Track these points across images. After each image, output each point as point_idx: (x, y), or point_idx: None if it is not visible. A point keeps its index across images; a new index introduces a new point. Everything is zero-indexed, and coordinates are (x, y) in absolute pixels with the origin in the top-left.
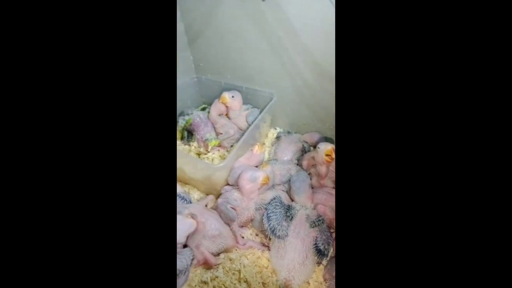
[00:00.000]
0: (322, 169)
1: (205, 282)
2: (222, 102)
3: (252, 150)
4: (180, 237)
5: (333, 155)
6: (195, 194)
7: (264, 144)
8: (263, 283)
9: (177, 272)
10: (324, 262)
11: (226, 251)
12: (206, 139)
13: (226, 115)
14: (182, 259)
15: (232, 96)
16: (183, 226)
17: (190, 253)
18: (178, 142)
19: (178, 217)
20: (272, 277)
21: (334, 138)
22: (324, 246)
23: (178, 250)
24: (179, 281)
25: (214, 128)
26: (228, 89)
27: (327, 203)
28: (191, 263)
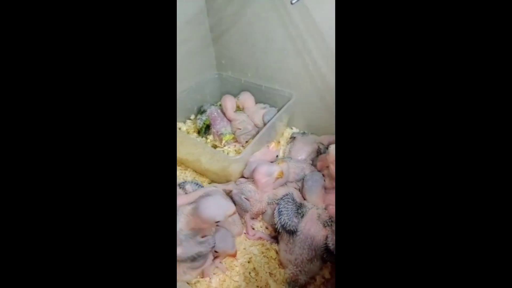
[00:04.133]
0: (333, 170)
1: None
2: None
3: (268, 146)
4: (220, 216)
5: None
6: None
7: (279, 142)
8: (270, 273)
9: (198, 255)
10: (333, 260)
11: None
12: (221, 133)
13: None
14: (207, 245)
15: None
16: (227, 205)
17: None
18: (195, 135)
19: (219, 196)
20: (279, 268)
21: None
22: (334, 247)
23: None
24: (197, 263)
25: (233, 124)
26: (248, 86)
27: None
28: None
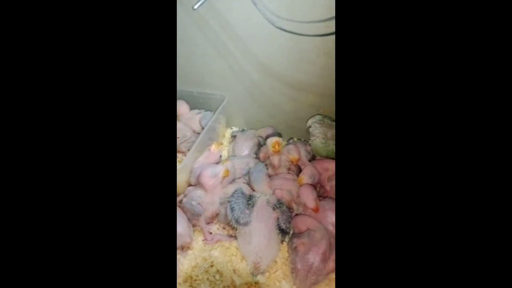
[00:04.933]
0: (274, 159)
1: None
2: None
3: (209, 149)
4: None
5: (277, 147)
6: None
7: (222, 144)
8: (234, 270)
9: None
10: (287, 239)
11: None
12: None
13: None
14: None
15: None
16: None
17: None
18: None
19: None
20: (242, 263)
21: (284, 131)
22: (286, 225)
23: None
24: None
25: None
26: (179, 95)
27: (283, 187)
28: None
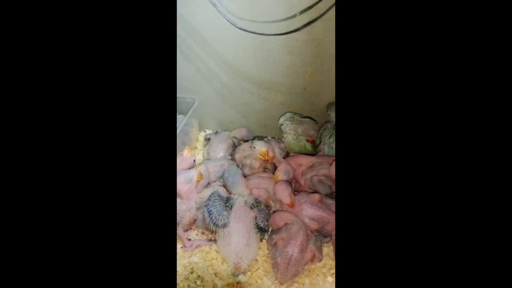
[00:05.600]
0: (256, 164)
1: None
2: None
3: (181, 154)
4: None
5: (267, 157)
6: None
7: (196, 147)
8: (215, 274)
9: None
10: (266, 237)
11: None
12: None
13: None
14: None
15: None
16: None
17: None
18: None
19: None
20: (223, 265)
21: (257, 130)
22: (264, 223)
23: None
24: None
25: None
26: None
27: (260, 185)
28: None
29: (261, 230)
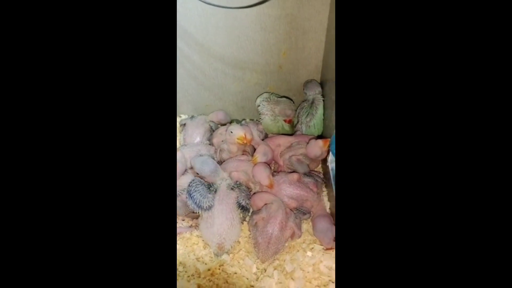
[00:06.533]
0: (234, 148)
1: None
2: None
3: None
4: None
5: (245, 140)
6: None
7: None
8: (197, 259)
9: None
10: (247, 218)
11: None
12: None
13: None
14: None
15: None
16: None
17: None
18: None
19: None
20: (204, 250)
21: (235, 113)
22: (245, 201)
23: None
24: None
25: None
26: None
27: (239, 168)
28: None
29: (243, 209)
